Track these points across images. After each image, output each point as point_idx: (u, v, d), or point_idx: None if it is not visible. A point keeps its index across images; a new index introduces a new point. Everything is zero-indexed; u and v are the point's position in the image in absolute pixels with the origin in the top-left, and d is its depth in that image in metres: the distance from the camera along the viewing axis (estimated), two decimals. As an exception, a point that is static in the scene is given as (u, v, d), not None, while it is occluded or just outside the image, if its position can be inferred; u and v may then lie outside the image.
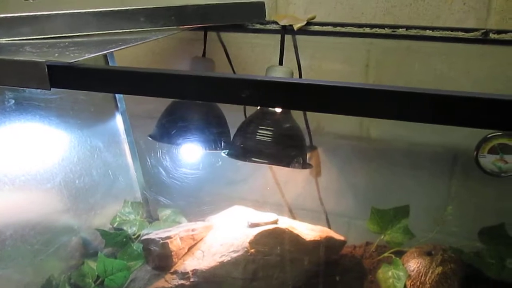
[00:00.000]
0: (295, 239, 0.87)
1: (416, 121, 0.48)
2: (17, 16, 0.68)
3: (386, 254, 0.96)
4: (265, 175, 1.16)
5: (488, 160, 0.86)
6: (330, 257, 0.97)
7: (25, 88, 0.76)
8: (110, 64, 1.11)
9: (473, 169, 0.93)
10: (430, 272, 0.84)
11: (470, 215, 1.03)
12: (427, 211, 1.05)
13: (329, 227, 1.09)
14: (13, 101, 0.79)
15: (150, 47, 1.17)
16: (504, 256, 0.89)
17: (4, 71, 0.56)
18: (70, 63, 0.53)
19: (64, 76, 0.54)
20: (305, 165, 0.90)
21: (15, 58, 0.56)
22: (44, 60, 0.53)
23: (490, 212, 1.01)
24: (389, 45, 1.04)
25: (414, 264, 0.87)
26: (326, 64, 1.09)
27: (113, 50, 0.65)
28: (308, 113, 1.08)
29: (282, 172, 1.14)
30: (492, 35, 0.82)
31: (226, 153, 0.93)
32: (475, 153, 0.88)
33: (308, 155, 1.06)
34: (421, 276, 0.85)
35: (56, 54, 0.58)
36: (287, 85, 0.48)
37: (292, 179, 1.15)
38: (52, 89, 0.54)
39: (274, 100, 0.48)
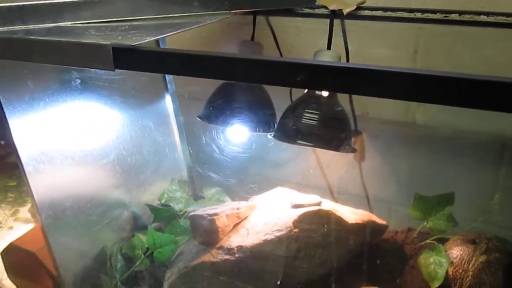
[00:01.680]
0: (338, 221, 0.89)
1: (459, 106, 0.49)
2: (81, 1, 0.72)
3: (428, 241, 0.96)
4: (308, 158, 1.17)
5: (539, 149, 0.85)
6: (371, 240, 0.98)
7: (90, 69, 0.81)
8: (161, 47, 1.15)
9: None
10: (474, 260, 0.84)
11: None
12: (471, 200, 1.04)
13: (371, 212, 1.10)
14: (79, 80, 0.85)
15: (198, 31, 1.20)
16: (551, 248, 0.87)
17: (72, 53, 0.61)
18: (133, 45, 0.57)
19: (127, 58, 0.57)
20: (350, 149, 0.91)
21: (82, 41, 0.60)
22: (109, 43, 0.57)
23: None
24: (440, 30, 1.02)
25: (457, 251, 0.87)
26: (374, 49, 1.09)
27: (170, 34, 0.68)
28: (353, 98, 1.08)
29: (326, 156, 1.15)
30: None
31: (273, 135, 0.95)
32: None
33: (352, 140, 1.07)
34: (464, 263, 0.85)
35: (120, 37, 0.61)
36: (338, 69, 0.50)
37: (335, 163, 1.16)
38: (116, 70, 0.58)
39: (325, 84, 0.50)
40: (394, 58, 1.07)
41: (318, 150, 1.15)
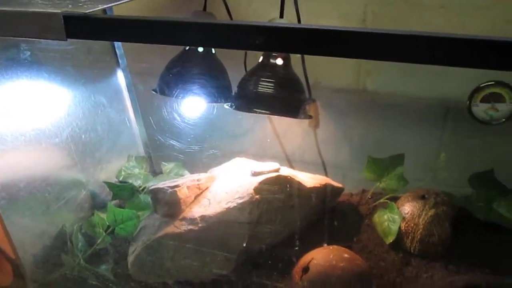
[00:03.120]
0: (297, 186, 0.92)
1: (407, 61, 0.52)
2: (25, -32, 0.69)
3: (381, 200, 1.02)
4: (265, 128, 1.19)
5: (480, 109, 0.91)
6: (329, 203, 1.02)
7: (40, 40, 0.78)
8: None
9: (465, 120, 0.98)
10: (424, 214, 0.90)
11: (462, 163, 1.08)
12: (421, 160, 1.10)
13: (327, 176, 1.14)
14: (29, 53, 0.81)
15: (148, 3, 1.17)
16: (492, 199, 0.95)
17: (20, 23, 0.58)
18: (85, 13, 0.55)
19: (80, 27, 0.56)
20: (305, 115, 0.94)
21: (31, 10, 0.57)
22: (60, 11, 0.55)
23: (480, 159, 1.06)
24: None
25: (408, 207, 0.93)
26: (324, 18, 1.11)
27: (122, 2, 0.66)
28: (307, 68, 1.10)
29: (282, 125, 1.17)
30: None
31: (229, 105, 0.96)
32: (468, 102, 0.92)
33: (307, 107, 1.10)
34: (415, 218, 0.91)
35: (70, 6, 0.59)
36: (295, 30, 0.51)
37: (291, 132, 1.18)
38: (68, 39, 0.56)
39: (282, 46, 0.51)
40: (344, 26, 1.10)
41: (274, 119, 1.17)
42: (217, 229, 0.87)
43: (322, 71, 1.14)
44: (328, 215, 1.01)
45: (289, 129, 1.18)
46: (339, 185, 1.03)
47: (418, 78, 1.08)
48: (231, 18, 1.07)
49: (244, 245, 0.86)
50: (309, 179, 0.97)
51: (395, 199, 1.01)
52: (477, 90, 0.90)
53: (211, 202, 0.93)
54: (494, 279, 0.82)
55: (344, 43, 0.50)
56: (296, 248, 0.91)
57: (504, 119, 0.90)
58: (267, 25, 0.48)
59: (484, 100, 0.90)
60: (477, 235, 0.92)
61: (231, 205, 0.89)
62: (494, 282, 0.81)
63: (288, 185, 0.91)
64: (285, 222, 0.93)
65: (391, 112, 1.13)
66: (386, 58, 0.50)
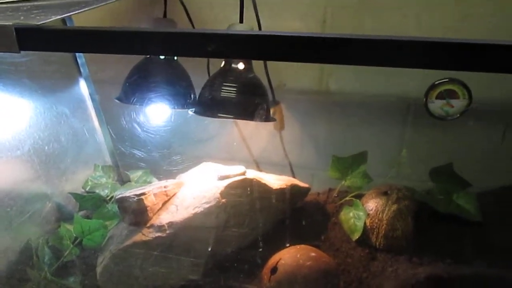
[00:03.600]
0: (263, 188, 0.93)
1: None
2: (-25, -20, 0.68)
3: (347, 198, 1.04)
4: (231, 132, 1.20)
5: (436, 105, 0.94)
6: (296, 203, 1.04)
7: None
8: (70, 29, 1.10)
9: (425, 116, 1.01)
10: (387, 209, 0.92)
11: (423, 158, 1.12)
12: (385, 157, 1.13)
13: (294, 177, 1.16)
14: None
15: (109, 10, 1.16)
16: (452, 192, 0.98)
17: (-30, 36, 0.57)
18: (38, 25, 0.55)
19: (33, 38, 0.55)
20: (268, 118, 0.95)
21: (-20, 23, 0.56)
22: (11, 23, 0.55)
23: (440, 154, 1.09)
24: (345, 0, 1.08)
25: (372, 204, 0.95)
26: (284, 21, 1.13)
27: (76, 12, 0.66)
28: (271, 70, 1.12)
29: (247, 128, 1.18)
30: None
31: (193, 111, 0.96)
32: (424, 99, 0.95)
33: (271, 110, 1.11)
34: (379, 213, 0.93)
35: (22, 18, 0.59)
36: (247, 37, 0.53)
37: (257, 135, 1.20)
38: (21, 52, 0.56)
39: (235, 52, 0.52)
40: (304, 28, 1.12)
41: (240, 123, 1.18)
42: (184, 235, 0.88)
43: (286, 73, 1.16)
44: (296, 215, 1.03)
45: (255, 132, 1.20)
46: (305, 185, 1.04)
47: (378, 76, 1.11)
48: (192, 24, 1.08)
49: (210, 249, 0.87)
50: (275, 181, 0.99)
51: (360, 196, 1.03)
52: (433, 87, 0.93)
53: (179, 208, 0.93)
54: (455, 268, 0.85)
55: (291, 48, 0.52)
56: (265, 250, 0.92)
57: (458, 115, 0.93)
58: (216, 33, 0.49)
59: (439, 96, 0.93)
60: (439, 227, 0.95)
61: (198, 210, 0.89)
62: (455, 272, 0.84)
63: (254, 188, 0.92)
64: (253, 224, 0.94)
65: (354, 111, 1.16)
66: (331, 62, 0.52)
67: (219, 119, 0.97)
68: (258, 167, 1.21)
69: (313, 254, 0.83)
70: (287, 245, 0.91)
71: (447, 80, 0.92)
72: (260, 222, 0.94)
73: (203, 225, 0.88)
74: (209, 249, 0.86)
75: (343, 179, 1.05)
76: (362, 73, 1.12)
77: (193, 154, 1.22)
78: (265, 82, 1.09)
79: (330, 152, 1.09)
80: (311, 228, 1.01)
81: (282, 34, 0.52)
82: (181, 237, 0.87)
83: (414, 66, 0.55)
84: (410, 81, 1.07)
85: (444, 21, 1.03)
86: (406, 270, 0.87)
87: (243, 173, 0.95)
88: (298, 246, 0.87)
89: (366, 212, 0.95)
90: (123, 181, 1.25)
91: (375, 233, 0.93)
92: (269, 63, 1.09)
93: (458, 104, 0.92)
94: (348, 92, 1.16)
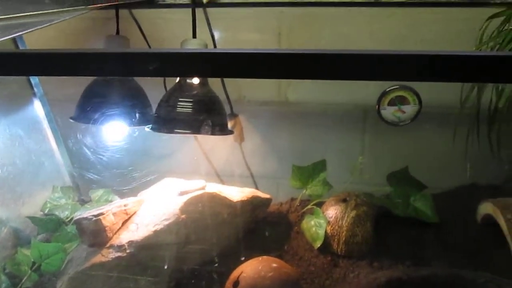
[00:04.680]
0: (223, 201, 0.93)
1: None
2: None
3: (309, 206, 1.05)
4: (191, 146, 1.20)
5: (388, 112, 0.96)
6: (258, 215, 1.04)
7: None
8: (20, 48, 1.08)
9: (382, 122, 1.03)
10: (346, 216, 0.94)
11: (382, 163, 1.14)
12: (345, 164, 1.15)
13: (257, 188, 1.16)
14: None
15: (62, 28, 1.15)
16: (409, 195, 1.01)
17: None
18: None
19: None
20: (226, 131, 0.95)
21: None
22: None
23: (397, 158, 1.12)
24: (299, 12, 1.10)
25: (332, 211, 0.96)
26: (240, 34, 1.14)
27: (21, 33, 0.65)
28: (230, 83, 1.12)
29: (208, 142, 1.18)
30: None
31: (150, 127, 0.96)
32: (377, 106, 0.97)
33: (230, 122, 1.12)
34: (339, 220, 0.94)
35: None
36: (184, 55, 0.53)
37: (218, 148, 1.20)
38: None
39: (177, 70, 0.52)
40: (260, 41, 1.13)
41: (200, 137, 1.18)
42: (145, 253, 0.86)
43: (246, 85, 1.16)
44: (259, 227, 1.03)
45: (216, 145, 1.20)
46: (267, 196, 1.05)
47: (335, 85, 1.13)
48: (146, 40, 1.08)
49: (166, 267, 0.86)
50: (237, 193, 0.99)
51: (321, 204, 1.04)
52: (384, 94, 0.96)
53: (139, 226, 0.92)
54: (414, 270, 0.87)
55: (235, 65, 0.52)
56: (227, 264, 0.92)
57: (410, 120, 0.96)
58: (159, 52, 0.50)
59: (391, 103, 0.96)
60: (397, 231, 0.97)
61: (158, 227, 0.88)
62: (414, 273, 0.86)
63: (214, 202, 0.92)
64: (216, 238, 0.94)
65: (314, 120, 1.18)
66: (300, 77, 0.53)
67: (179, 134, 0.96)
68: (221, 180, 1.21)
69: (274, 265, 0.83)
70: (249, 257, 0.91)
71: (397, 87, 0.95)
72: (222, 236, 0.94)
73: (163, 242, 0.87)
74: (166, 267, 0.85)
75: (304, 188, 1.06)
76: (320, 83, 1.14)
77: (155, 170, 1.21)
78: (223, 95, 1.10)
79: (293, 162, 1.10)
80: (274, 239, 1.01)
81: (228, 51, 0.52)
82: (142, 256, 0.86)
83: (367, 78, 0.57)
84: (365, 89, 1.10)
85: (394, 29, 1.06)
86: (367, 274, 0.88)
87: (203, 188, 0.95)
88: (260, 258, 0.87)
89: (327, 219, 0.96)
90: (84, 201, 1.23)
91: (336, 240, 0.94)
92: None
93: (409, 109, 0.95)
94: (307, 101, 1.18)
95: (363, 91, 1.11)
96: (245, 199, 0.98)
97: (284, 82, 1.18)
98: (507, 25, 0.84)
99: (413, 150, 1.11)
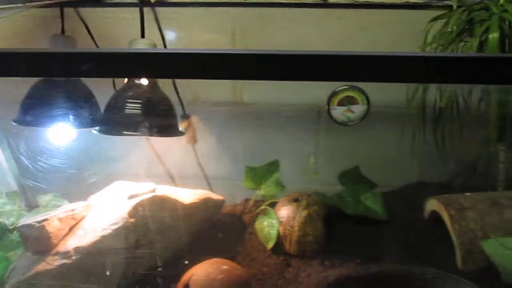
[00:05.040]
0: (174, 204, 0.92)
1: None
2: None
3: (262, 207, 1.05)
4: (143, 148, 1.17)
5: (338, 112, 0.98)
6: (212, 216, 1.03)
7: None
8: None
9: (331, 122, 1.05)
10: (297, 216, 0.94)
11: (334, 163, 1.15)
12: (299, 164, 1.16)
13: (211, 190, 1.15)
14: None
15: (5, 27, 1.10)
16: (359, 193, 1.02)
17: None
18: None
19: None
20: (176, 133, 0.94)
21: None
22: None
23: (349, 158, 1.13)
24: (252, 13, 1.10)
25: (284, 211, 0.97)
26: (193, 35, 1.13)
27: None
28: (184, 84, 1.11)
29: (161, 144, 1.16)
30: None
31: (98, 130, 0.93)
32: (327, 107, 0.99)
33: (183, 124, 1.10)
34: (290, 220, 0.95)
35: None
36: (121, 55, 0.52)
37: (171, 150, 1.18)
38: None
39: (111, 71, 0.51)
40: (213, 42, 1.13)
41: (152, 139, 1.16)
42: (93, 259, 0.84)
43: (200, 86, 1.15)
44: (212, 228, 1.02)
45: (168, 147, 1.18)
46: (220, 197, 1.04)
47: (289, 86, 1.14)
48: (94, 40, 1.05)
49: (114, 273, 0.84)
50: (189, 195, 0.98)
51: (275, 204, 1.04)
52: (333, 94, 0.97)
53: (87, 231, 0.89)
54: (364, 267, 0.88)
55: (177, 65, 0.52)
56: (179, 267, 0.90)
57: (359, 120, 0.97)
58: (97, 52, 0.48)
59: (340, 103, 0.97)
60: (348, 229, 0.98)
61: (106, 232, 0.86)
62: (364, 271, 0.87)
63: (164, 205, 0.90)
64: (167, 241, 0.92)
65: (269, 121, 1.18)
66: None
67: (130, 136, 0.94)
68: (175, 183, 1.19)
69: (225, 267, 0.83)
70: (202, 260, 0.90)
71: (346, 87, 0.96)
72: (173, 239, 0.93)
73: (112, 247, 0.84)
74: (113, 273, 0.82)
75: (258, 188, 1.06)
76: (274, 83, 1.14)
77: (106, 173, 1.18)
78: (174, 95, 1.08)
79: (248, 162, 1.10)
80: (227, 240, 1.00)
81: (170, 51, 0.52)
82: (89, 262, 0.84)
83: (319, 79, 0.57)
84: (319, 89, 1.10)
85: (343, 31, 1.08)
86: (318, 273, 0.88)
87: (153, 191, 0.93)
88: (210, 261, 0.86)
89: (279, 219, 0.96)
90: (32, 206, 1.18)
91: (288, 240, 0.94)
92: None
93: (358, 109, 0.97)
94: (262, 102, 1.18)
95: (317, 91, 1.11)
96: (197, 201, 0.97)
97: (239, 82, 1.18)
98: (449, 27, 0.87)
99: (364, 150, 1.13)
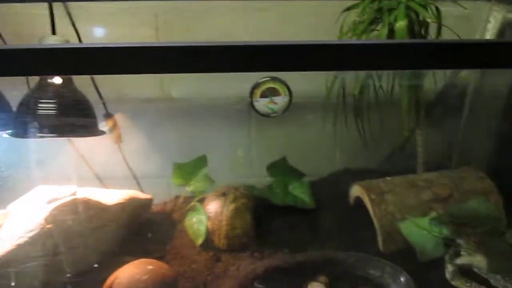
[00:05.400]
0: (97, 206, 0.89)
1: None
2: None
3: (192, 203, 1.04)
4: (66, 150, 1.13)
5: (261, 104, 0.98)
6: (139, 216, 1.01)
7: None
8: None
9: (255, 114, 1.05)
10: (225, 210, 0.94)
11: (266, 154, 1.16)
12: (230, 158, 1.15)
13: (141, 189, 1.12)
14: None
15: None
16: (287, 183, 1.03)
17: None
18: None
19: None
20: (96, 132, 0.91)
21: None
22: None
23: (281, 149, 1.14)
24: (174, 6, 1.08)
25: (212, 206, 0.96)
26: (117, 28, 1.09)
27: None
28: (107, 82, 1.07)
29: (85, 144, 1.12)
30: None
31: (9, 133, 0.88)
32: (250, 99, 0.99)
33: (109, 122, 1.07)
34: (218, 215, 0.94)
35: None
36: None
37: (96, 150, 1.14)
38: None
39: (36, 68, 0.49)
40: (136, 37, 1.09)
41: (75, 140, 1.11)
42: (8, 269, 0.80)
43: (126, 83, 1.12)
44: (140, 229, 1.00)
45: (93, 148, 1.13)
46: (148, 196, 1.02)
47: (219, 79, 1.12)
48: (1, 36, 0.99)
49: (26, 283, 0.80)
50: (114, 196, 0.95)
51: (204, 200, 1.03)
52: (256, 86, 0.97)
53: (3, 240, 0.84)
54: (292, 256, 0.90)
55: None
56: (105, 270, 0.87)
57: (282, 111, 0.98)
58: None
59: (263, 95, 0.97)
60: (277, 220, 0.99)
61: (22, 240, 0.82)
62: (292, 260, 0.88)
63: (85, 208, 0.87)
64: (92, 245, 0.89)
65: (200, 115, 1.16)
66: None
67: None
68: (103, 184, 1.16)
69: (150, 267, 0.81)
70: (130, 261, 0.88)
71: (268, 79, 0.97)
72: (99, 242, 0.90)
73: (28, 255, 0.80)
74: (12, 284, 0.79)
75: (186, 185, 1.05)
76: (203, 77, 1.12)
77: (27, 178, 1.12)
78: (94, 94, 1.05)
79: (179, 159, 1.08)
80: (157, 240, 0.98)
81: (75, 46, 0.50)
82: (4, 272, 0.79)
83: (243, 70, 0.57)
84: (246, 81, 1.10)
85: (269, 23, 1.09)
86: (248, 266, 0.89)
87: (74, 194, 0.90)
88: (136, 262, 0.84)
89: (207, 215, 0.95)
90: None
91: (217, 234, 0.94)
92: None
93: (281, 100, 0.97)
94: (191, 97, 1.16)
95: (245, 83, 1.11)
96: (122, 201, 0.94)
97: (166, 78, 1.15)
98: (362, 16, 0.89)
99: (295, 140, 1.15)
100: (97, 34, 1.09)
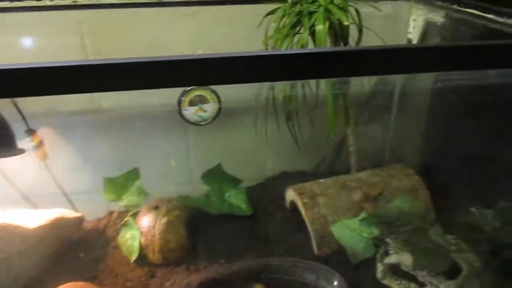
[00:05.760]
0: (16, 231, 0.84)
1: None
2: None
3: (126, 218, 1.00)
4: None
5: (190, 112, 0.96)
6: (69, 236, 0.96)
7: None
8: None
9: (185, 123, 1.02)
10: (158, 223, 0.91)
11: (204, 162, 1.14)
12: (166, 169, 1.12)
13: (73, 206, 1.08)
14: None
15: None
16: (223, 191, 1.02)
17: None
18: None
19: None
20: (13, 151, 0.86)
21: None
22: None
23: (218, 156, 1.13)
24: (99, 15, 1.04)
25: (145, 220, 0.93)
26: (40, 37, 1.04)
27: None
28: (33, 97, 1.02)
29: (7, 164, 1.06)
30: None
31: None
32: (178, 108, 0.96)
33: (34, 139, 1.01)
34: (151, 229, 0.91)
35: None
36: None
37: (20, 169, 1.08)
38: None
39: None
40: (61, 48, 1.05)
41: (-3, 160, 1.05)
42: None
43: (53, 96, 1.06)
44: (71, 249, 0.95)
45: (17, 166, 1.08)
46: (77, 214, 0.98)
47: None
48: None
49: None
50: (37, 218, 0.90)
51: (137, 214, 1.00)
52: (183, 94, 0.95)
53: None
54: (228, 267, 0.88)
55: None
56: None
57: (212, 119, 0.96)
58: None
59: (191, 103, 0.95)
60: (213, 230, 0.97)
61: None
62: (228, 270, 0.87)
63: (4, 233, 0.82)
64: (15, 272, 0.84)
65: (131, 126, 1.13)
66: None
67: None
68: (31, 204, 1.10)
69: (77, 291, 0.77)
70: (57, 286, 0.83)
71: (195, 87, 0.94)
72: (21, 269, 0.85)
73: None
74: None
75: (119, 200, 1.01)
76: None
77: None
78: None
79: (113, 172, 1.04)
80: (89, 259, 0.94)
81: None
82: None
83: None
84: (179, 89, 1.08)
85: (197, 27, 1.06)
86: (183, 280, 0.86)
87: (-9, 219, 0.84)
88: (63, 286, 0.80)
89: (140, 230, 0.92)
90: None
91: (151, 249, 0.91)
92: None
93: (210, 108, 0.96)
94: (123, 107, 1.12)
95: (178, 91, 1.09)
96: (47, 222, 0.90)
97: (96, 88, 1.11)
98: (283, 20, 0.88)
99: (231, 146, 1.13)
100: (21, 45, 1.04)
